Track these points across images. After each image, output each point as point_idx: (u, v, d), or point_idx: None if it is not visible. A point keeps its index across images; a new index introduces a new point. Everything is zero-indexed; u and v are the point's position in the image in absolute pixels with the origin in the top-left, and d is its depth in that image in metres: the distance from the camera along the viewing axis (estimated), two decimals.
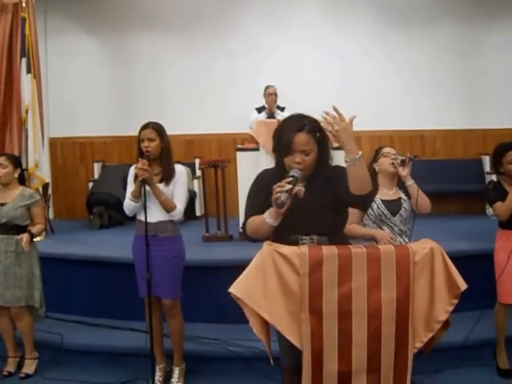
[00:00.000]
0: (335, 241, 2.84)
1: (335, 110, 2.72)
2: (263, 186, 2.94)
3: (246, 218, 2.99)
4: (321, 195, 2.88)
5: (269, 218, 2.78)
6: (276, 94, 8.06)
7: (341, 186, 2.81)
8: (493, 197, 4.48)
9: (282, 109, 7.96)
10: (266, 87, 8.13)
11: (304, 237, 2.90)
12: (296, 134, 2.86)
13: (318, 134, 2.89)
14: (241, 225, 3.08)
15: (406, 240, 4.07)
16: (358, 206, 3.07)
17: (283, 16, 9.16)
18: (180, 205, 4.30)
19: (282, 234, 2.86)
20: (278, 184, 2.70)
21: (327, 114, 2.71)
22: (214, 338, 4.82)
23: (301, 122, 2.89)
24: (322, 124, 2.77)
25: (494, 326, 4.51)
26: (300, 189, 2.75)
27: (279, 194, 2.66)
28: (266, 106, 8.07)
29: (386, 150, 4.25)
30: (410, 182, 4.09)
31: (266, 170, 3.17)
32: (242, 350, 4.63)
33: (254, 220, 2.91)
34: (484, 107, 9.03)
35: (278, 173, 2.93)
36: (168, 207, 4.24)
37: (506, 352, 4.53)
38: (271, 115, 7.86)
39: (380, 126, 8.86)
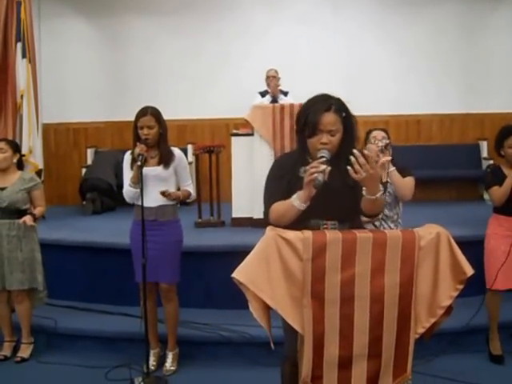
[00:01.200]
0: (355, 226, 2.80)
1: (367, 157, 2.62)
2: (285, 172, 2.89)
3: (269, 204, 2.90)
4: (345, 178, 2.75)
5: (297, 201, 2.71)
6: (275, 77, 7.99)
7: (359, 191, 2.78)
8: (490, 180, 4.43)
9: (286, 93, 7.89)
10: (268, 71, 8.11)
11: (325, 222, 2.83)
12: (323, 113, 2.78)
13: (343, 114, 2.83)
14: (262, 213, 2.97)
15: (392, 226, 4.07)
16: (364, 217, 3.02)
17: None
18: (191, 189, 4.44)
19: (302, 218, 2.78)
20: (311, 165, 2.64)
21: (358, 158, 2.60)
22: (206, 323, 4.86)
23: (327, 102, 2.82)
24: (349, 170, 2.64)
25: (487, 313, 4.53)
26: (328, 168, 2.70)
27: (316, 175, 2.60)
28: (269, 90, 8.00)
29: (374, 134, 4.24)
30: (391, 169, 4.09)
31: (285, 155, 3.14)
32: (232, 335, 4.67)
33: (279, 206, 2.83)
34: (482, 91, 8.97)
35: (300, 156, 2.89)
36: (186, 198, 4.39)
37: (498, 338, 4.56)
38: (274, 99, 7.77)
39: (375, 110, 8.79)
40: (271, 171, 3.02)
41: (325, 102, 2.82)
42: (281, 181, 2.89)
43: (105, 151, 8.99)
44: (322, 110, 2.79)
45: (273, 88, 7.84)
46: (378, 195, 2.71)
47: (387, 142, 4.14)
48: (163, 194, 4.15)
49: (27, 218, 4.61)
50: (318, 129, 2.79)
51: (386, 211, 4.10)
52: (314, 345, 2.59)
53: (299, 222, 2.75)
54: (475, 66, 9.03)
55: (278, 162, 3.07)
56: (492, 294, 4.45)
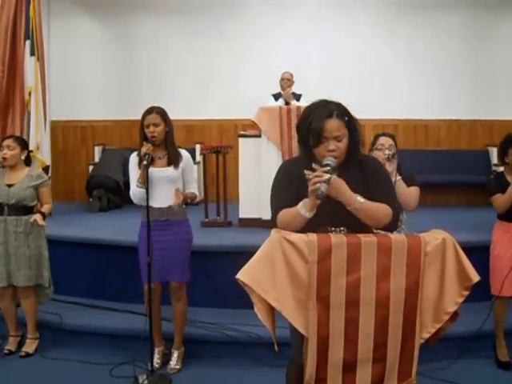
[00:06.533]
0: (364, 233, 2.73)
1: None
2: (293, 180, 2.79)
3: (276, 210, 2.83)
4: (353, 185, 2.71)
5: (303, 209, 2.66)
6: (290, 79, 7.95)
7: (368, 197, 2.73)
8: (493, 188, 4.42)
9: (299, 96, 7.82)
10: (282, 73, 8.05)
11: (333, 229, 2.77)
12: (327, 120, 2.69)
13: (346, 118, 2.76)
14: (270, 218, 2.90)
15: (395, 232, 4.01)
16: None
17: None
18: (196, 191, 4.46)
19: (311, 225, 2.72)
20: (315, 174, 2.58)
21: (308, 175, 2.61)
22: (211, 322, 4.86)
23: (328, 108, 2.73)
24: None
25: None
26: (335, 178, 2.64)
27: (318, 185, 2.54)
28: (282, 92, 7.95)
29: (381, 141, 4.14)
30: (395, 179, 4.01)
31: (292, 161, 3.04)
32: (238, 335, 4.67)
33: (286, 213, 2.76)
34: (491, 98, 8.94)
35: (306, 164, 2.75)
36: (193, 200, 4.42)
37: (505, 344, 4.53)
38: (287, 103, 7.65)
39: (384, 114, 8.80)
40: (279, 178, 2.93)
41: (325, 108, 2.74)
42: (289, 188, 2.81)
43: (112, 149, 9.03)
44: (325, 117, 2.71)
45: (285, 94, 7.81)
46: (357, 205, 2.65)
47: (394, 151, 4.08)
48: (177, 191, 4.17)
49: (38, 218, 4.60)
50: (323, 136, 2.70)
51: None
52: (318, 347, 2.58)
53: (308, 229, 2.69)
54: (484, 73, 9.00)
55: (286, 169, 2.95)
56: (498, 301, 4.42)
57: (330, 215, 2.74)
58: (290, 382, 3.04)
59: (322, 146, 2.72)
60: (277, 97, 7.94)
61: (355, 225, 2.76)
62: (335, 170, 2.65)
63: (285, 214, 2.78)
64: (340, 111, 2.76)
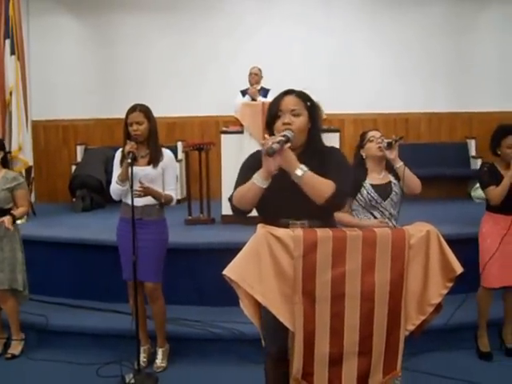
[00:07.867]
0: (326, 226, 2.73)
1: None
2: (256, 166, 2.79)
3: (234, 190, 2.87)
4: (311, 170, 2.71)
5: (257, 178, 2.68)
6: (257, 74, 8.05)
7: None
8: (487, 180, 4.43)
9: (267, 91, 7.88)
10: (251, 68, 8.13)
11: (294, 221, 2.79)
12: (283, 96, 2.84)
13: (308, 103, 2.85)
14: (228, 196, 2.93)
15: (395, 223, 4.06)
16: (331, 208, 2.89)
17: None
18: (174, 194, 4.39)
19: (272, 217, 2.77)
20: (269, 138, 2.65)
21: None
22: (195, 319, 4.87)
23: (290, 89, 2.89)
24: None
25: (473, 310, 4.56)
26: (287, 150, 2.67)
27: (270, 143, 2.56)
28: (250, 87, 8.02)
29: (371, 134, 4.18)
30: (399, 164, 4.05)
31: (260, 151, 3.08)
32: (223, 332, 4.69)
33: (242, 187, 2.79)
34: (470, 90, 9.02)
35: None
36: (168, 202, 4.33)
37: (487, 335, 4.57)
38: (254, 100, 7.79)
39: (364, 108, 8.85)
40: (244, 162, 3.00)
41: (287, 90, 2.88)
42: (250, 171, 2.81)
43: (94, 148, 8.99)
44: (283, 94, 2.85)
45: (251, 91, 7.89)
46: (298, 172, 2.65)
47: (396, 138, 4.07)
48: (140, 183, 4.12)
49: (6, 220, 4.49)
50: (279, 110, 2.81)
51: (392, 210, 4.07)
52: (304, 342, 2.60)
53: (269, 221, 2.72)
54: (463, 66, 9.09)
55: (253, 155, 3.00)
56: (486, 292, 4.46)
57: (290, 207, 2.77)
58: (268, 375, 3.09)
59: (279, 121, 2.80)
60: (244, 93, 7.99)
61: (315, 217, 2.79)
62: (291, 142, 2.67)
63: (240, 188, 2.82)
64: (301, 94, 2.86)
